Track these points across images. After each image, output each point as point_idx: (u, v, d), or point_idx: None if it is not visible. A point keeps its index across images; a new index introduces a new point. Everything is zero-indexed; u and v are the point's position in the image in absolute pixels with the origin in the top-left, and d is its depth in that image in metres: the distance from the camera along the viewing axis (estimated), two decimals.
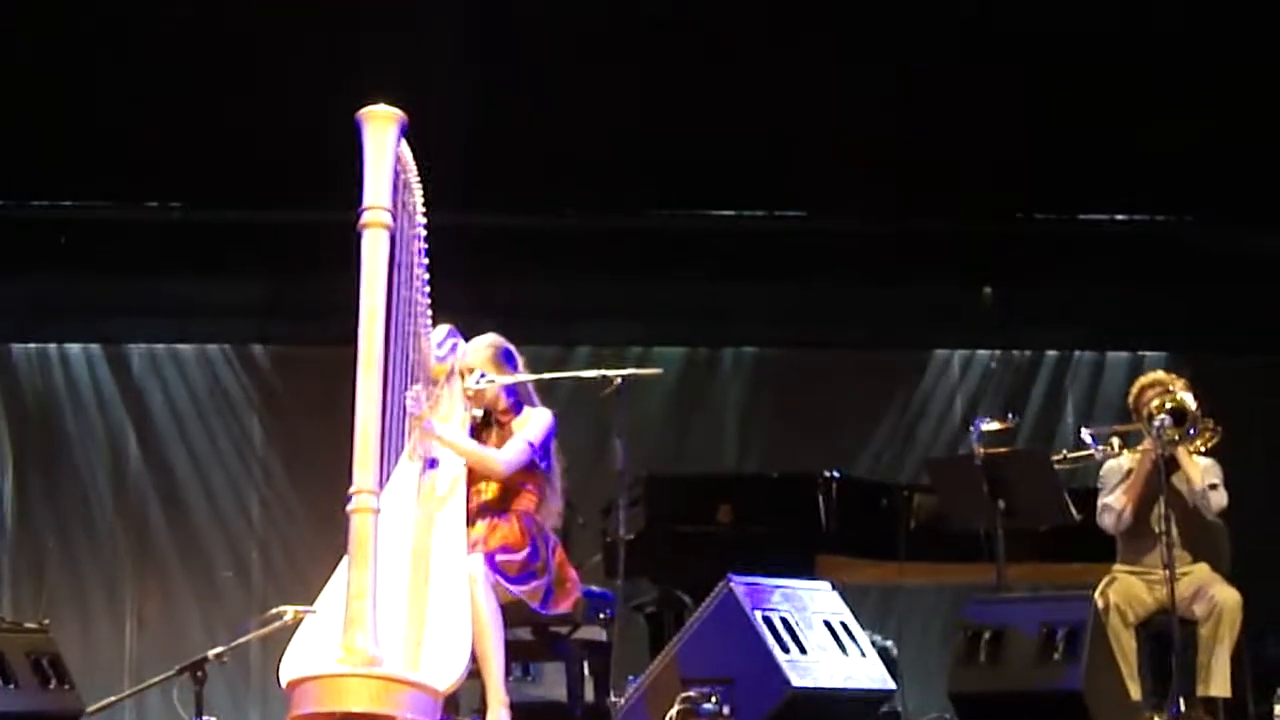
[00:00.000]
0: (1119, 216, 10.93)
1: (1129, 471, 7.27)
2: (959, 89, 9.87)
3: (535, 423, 6.08)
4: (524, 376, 6.12)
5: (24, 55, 9.49)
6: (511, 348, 6.18)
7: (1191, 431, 7.04)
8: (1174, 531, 6.89)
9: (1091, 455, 7.54)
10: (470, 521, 5.80)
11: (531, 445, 6.00)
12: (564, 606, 6.06)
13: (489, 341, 6.16)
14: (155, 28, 9.55)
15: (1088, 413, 11.35)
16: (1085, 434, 7.50)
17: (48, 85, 9.57)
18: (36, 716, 5.99)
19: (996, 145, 10.01)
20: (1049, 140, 10.09)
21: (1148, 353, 11.37)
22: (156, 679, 5.97)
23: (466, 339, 6.03)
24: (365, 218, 4.90)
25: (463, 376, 6.04)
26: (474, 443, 5.98)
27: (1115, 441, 7.41)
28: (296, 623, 5.19)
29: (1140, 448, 7.23)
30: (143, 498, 11.02)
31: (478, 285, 9.13)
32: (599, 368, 6.32)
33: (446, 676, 5.03)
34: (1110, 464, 7.44)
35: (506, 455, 5.97)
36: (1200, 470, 7.15)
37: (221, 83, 9.56)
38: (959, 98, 9.90)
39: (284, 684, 4.90)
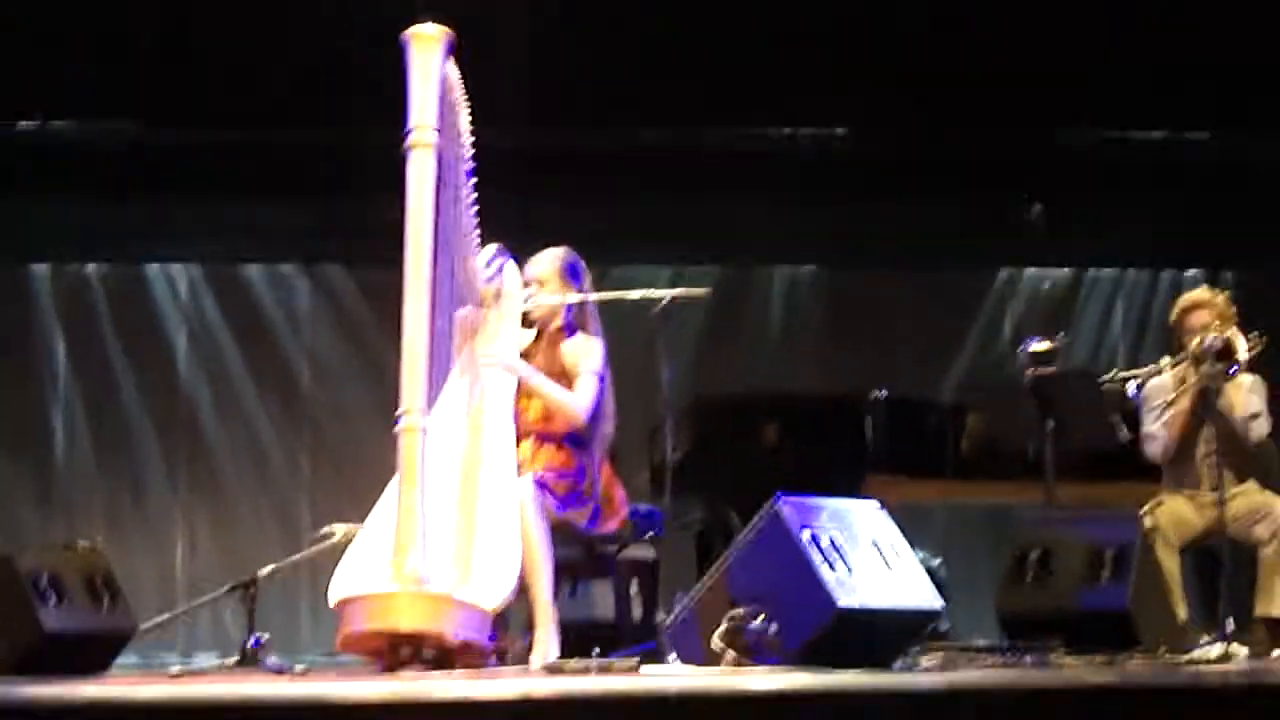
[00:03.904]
0: (1164, 133, 10.82)
1: (1173, 393, 7.14)
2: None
3: (595, 353, 5.99)
4: (574, 296, 6.02)
5: None
6: (580, 262, 6.08)
7: (1232, 370, 6.84)
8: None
9: (1145, 373, 7.39)
10: (516, 440, 5.77)
11: (600, 378, 5.94)
12: (611, 526, 6.07)
13: (557, 254, 6.05)
14: None
15: (1138, 332, 11.26)
16: (1130, 386, 7.31)
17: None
18: (91, 635, 6.04)
19: (1048, 59, 9.91)
20: (1100, 53, 9.98)
21: (1195, 270, 11.26)
22: (208, 597, 6.04)
23: (516, 259, 5.97)
24: (411, 138, 4.91)
25: (527, 285, 5.98)
26: (557, 387, 5.89)
27: (1165, 360, 7.28)
28: (347, 541, 5.23)
29: (1182, 373, 7.09)
30: (193, 417, 11.06)
31: (525, 204, 9.10)
32: (644, 287, 6.27)
33: (495, 595, 5.07)
34: (1153, 383, 7.21)
35: (583, 400, 5.90)
36: (1244, 398, 6.97)
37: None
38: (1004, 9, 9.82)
39: (334, 603, 4.95)
